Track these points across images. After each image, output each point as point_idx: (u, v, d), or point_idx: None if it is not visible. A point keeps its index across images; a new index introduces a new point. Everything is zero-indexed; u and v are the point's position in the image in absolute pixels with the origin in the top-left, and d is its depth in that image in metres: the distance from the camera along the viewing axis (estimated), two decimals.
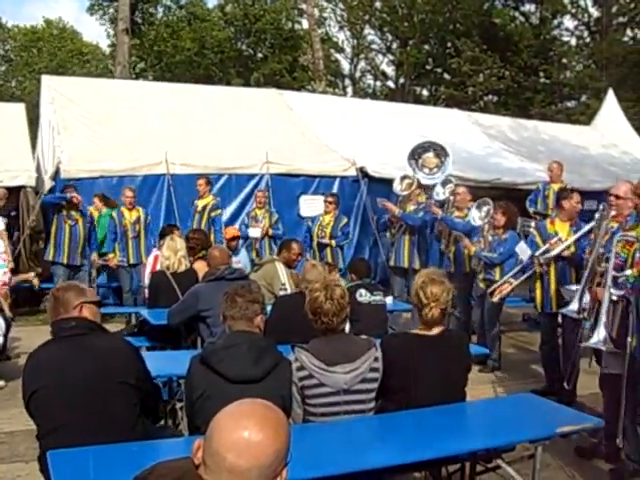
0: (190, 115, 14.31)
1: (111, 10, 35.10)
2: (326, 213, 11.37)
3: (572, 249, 7.24)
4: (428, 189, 10.91)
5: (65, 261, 10.99)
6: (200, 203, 11.63)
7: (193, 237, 8.51)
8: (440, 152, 11.11)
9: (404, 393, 4.28)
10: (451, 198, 10.42)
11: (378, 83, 45.08)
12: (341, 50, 44.22)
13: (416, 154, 11.09)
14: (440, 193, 10.61)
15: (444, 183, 10.74)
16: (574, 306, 6.46)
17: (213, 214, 11.53)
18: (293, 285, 7.43)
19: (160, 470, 2.07)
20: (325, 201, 11.56)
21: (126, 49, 26.61)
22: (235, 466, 1.90)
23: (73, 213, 11.03)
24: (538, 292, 7.73)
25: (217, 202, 11.73)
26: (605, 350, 5.35)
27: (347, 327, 5.52)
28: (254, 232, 11.69)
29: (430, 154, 11.11)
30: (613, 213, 6.06)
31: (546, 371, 7.95)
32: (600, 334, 5.26)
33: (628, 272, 5.19)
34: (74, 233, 11.03)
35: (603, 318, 5.28)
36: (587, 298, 5.99)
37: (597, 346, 5.34)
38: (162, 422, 4.99)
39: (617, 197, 6.04)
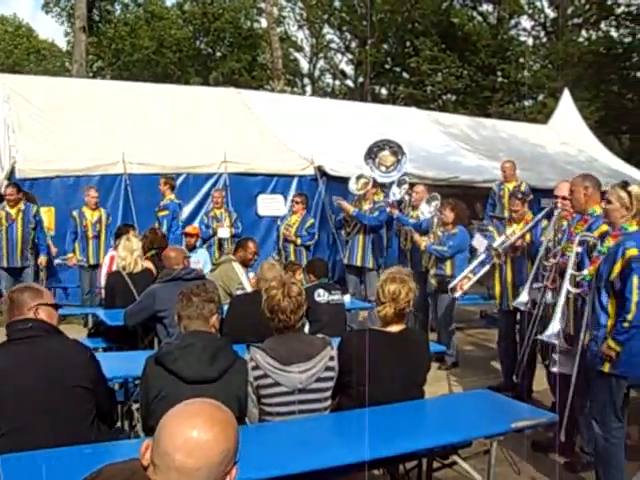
0: (148, 114, 14.18)
1: (68, 7, 34.71)
2: (294, 213, 11.41)
3: (527, 238, 7.30)
4: (385, 188, 10.96)
5: (5, 264, 10.75)
6: (163, 204, 11.59)
7: (147, 235, 8.49)
8: (396, 150, 11.19)
9: (362, 389, 4.27)
10: (406, 198, 10.48)
11: (337, 82, 45.32)
12: (300, 49, 44.35)
13: (372, 153, 11.16)
14: (396, 193, 10.65)
15: (400, 183, 10.79)
16: (523, 298, 6.57)
17: (160, 214, 11.51)
18: (250, 284, 7.40)
19: (108, 472, 2.05)
20: (293, 201, 11.60)
21: (83, 47, 26.24)
22: (184, 465, 1.88)
23: (10, 211, 10.76)
24: (497, 288, 7.82)
25: (170, 203, 11.62)
26: (558, 346, 5.41)
27: (307, 328, 5.53)
28: (223, 232, 11.64)
29: (386, 152, 11.18)
30: (560, 212, 6.15)
31: (503, 367, 8.02)
32: (554, 328, 5.32)
33: (585, 272, 5.26)
34: (10, 234, 10.74)
35: (559, 313, 5.33)
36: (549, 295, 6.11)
37: (550, 340, 5.40)
38: (118, 425, 4.94)
39: (563, 198, 6.12)
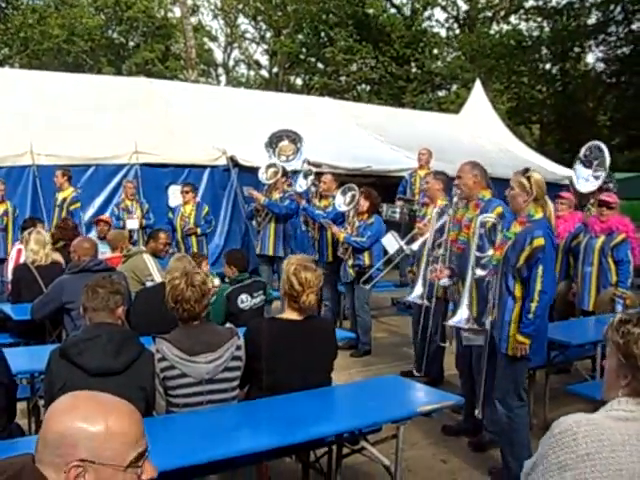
0: (58, 104, 13.84)
1: None
2: (185, 203, 11.41)
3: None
4: (292, 176, 11.05)
5: None
6: (60, 196, 11.32)
7: (59, 227, 8.35)
8: (295, 138, 11.33)
9: (271, 376, 4.30)
10: (313, 189, 10.54)
11: (252, 72, 45.11)
12: (214, 39, 44.03)
13: (273, 143, 11.25)
14: (302, 185, 10.69)
15: (305, 175, 10.83)
16: (418, 291, 6.69)
17: (72, 207, 11.23)
18: (161, 276, 7.31)
19: None
20: (182, 192, 11.60)
21: None
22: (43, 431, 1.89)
23: None
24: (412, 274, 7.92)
25: (77, 195, 11.40)
26: (467, 329, 5.52)
27: None
28: (132, 224, 11.53)
29: (285, 142, 11.34)
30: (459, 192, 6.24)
31: (416, 353, 8.13)
32: (463, 314, 5.42)
33: (490, 252, 5.37)
34: None
35: (466, 299, 5.44)
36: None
37: (459, 325, 5.52)
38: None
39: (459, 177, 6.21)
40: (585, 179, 9.89)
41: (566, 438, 2.36)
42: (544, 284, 4.80)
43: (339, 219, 9.61)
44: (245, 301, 7.14)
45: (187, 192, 11.37)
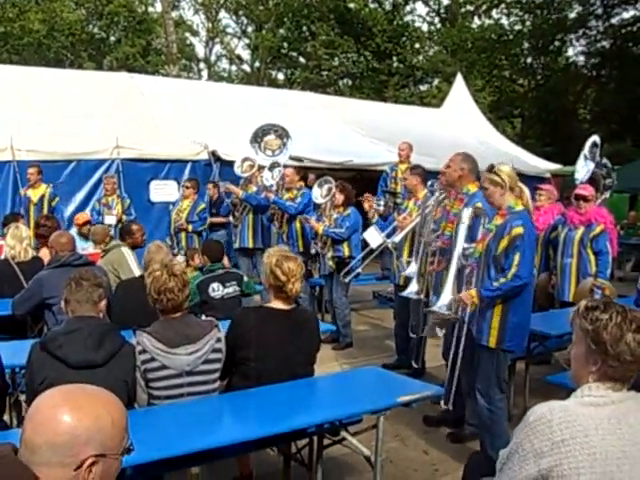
0: (38, 99, 13.84)
1: None
2: (184, 198, 11.36)
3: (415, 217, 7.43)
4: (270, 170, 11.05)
5: None
6: (34, 193, 11.29)
7: (45, 224, 8.21)
8: (282, 133, 11.27)
9: (255, 365, 4.34)
10: (280, 182, 10.56)
11: (234, 67, 45.04)
12: (196, 34, 43.92)
13: (258, 137, 11.20)
14: (269, 178, 10.67)
15: (272, 167, 10.80)
16: (413, 288, 6.71)
17: (53, 203, 11.25)
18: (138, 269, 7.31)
19: None
20: (183, 186, 11.53)
21: None
22: (29, 440, 1.85)
23: None
24: (395, 266, 7.93)
25: (53, 190, 11.41)
26: (448, 318, 5.55)
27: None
28: (109, 219, 11.48)
29: (272, 136, 11.25)
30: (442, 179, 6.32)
31: (397, 345, 8.18)
32: (445, 299, 5.47)
33: (473, 245, 5.41)
34: None
35: (450, 285, 5.47)
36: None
37: (441, 310, 5.56)
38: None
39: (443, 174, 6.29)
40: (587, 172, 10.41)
41: (541, 426, 2.41)
42: (519, 269, 4.83)
43: (308, 210, 9.78)
44: (216, 290, 7.15)
45: (187, 187, 11.35)
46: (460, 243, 5.48)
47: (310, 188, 9.95)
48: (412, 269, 6.68)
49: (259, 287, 8.86)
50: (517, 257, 4.84)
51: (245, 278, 7.84)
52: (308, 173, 12.32)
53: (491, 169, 5.08)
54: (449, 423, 6.20)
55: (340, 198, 9.07)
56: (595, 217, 7.69)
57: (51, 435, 1.84)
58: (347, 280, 8.81)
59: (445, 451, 5.75)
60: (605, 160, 11.85)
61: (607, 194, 11.31)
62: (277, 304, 4.52)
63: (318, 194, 9.44)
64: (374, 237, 8.39)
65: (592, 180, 10.04)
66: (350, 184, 9.42)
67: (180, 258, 9.30)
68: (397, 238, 7.57)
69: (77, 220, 10.72)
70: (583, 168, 10.67)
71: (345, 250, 8.98)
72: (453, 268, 5.50)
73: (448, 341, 6.11)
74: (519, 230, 4.84)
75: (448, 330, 5.65)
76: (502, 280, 4.89)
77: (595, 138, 10.96)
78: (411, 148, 12.10)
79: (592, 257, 7.65)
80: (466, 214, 5.55)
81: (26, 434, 1.86)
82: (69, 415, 1.86)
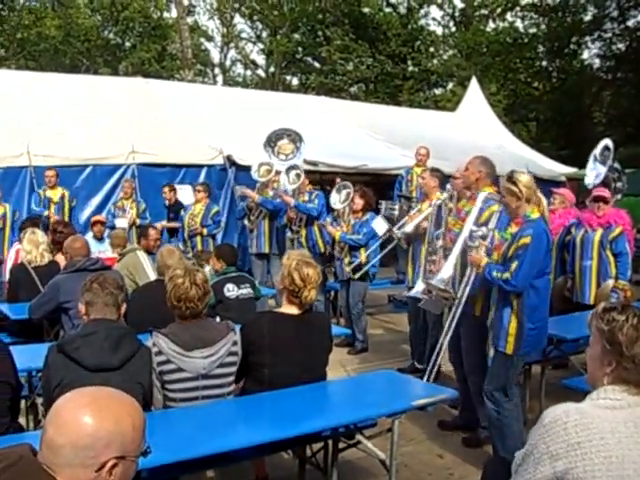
0: (54, 105, 13.86)
1: None
2: (197, 202, 11.36)
3: (425, 224, 7.41)
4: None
5: None
6: (54, 194, 11.40)
7: (62, 231, 8.20)
8: (295, 138, 11.27)
9: (267, 370, 4.33)
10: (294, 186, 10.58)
11: (248, 72, 45.13)
12: (211, 39, 44.04)
13: (272, 141, 11.20)
14: (286, 182, 10.66)
15: (289, 170, 10.78)
16: (419, 287, 6.72)
17: (73, 204, 11.43)
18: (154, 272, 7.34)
19: None
20: (195, 190, 11.54)
21: None
22: (52, 440, 1.87)
23: None
24: (409, 270, 7.91)
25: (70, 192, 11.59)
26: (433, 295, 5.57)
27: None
28: (121, 222, 11.53)
29: (285, 141, 11.24)
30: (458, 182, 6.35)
31: (412, 350, 8.16)
32: (444, 274, 5.52)
33: (484, 228, 5.43)
34: None
35: (452, 261, 5.53)
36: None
37: (438, 285, 5.63)
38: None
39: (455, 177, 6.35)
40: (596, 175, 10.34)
41: (556, 428, 2.40)
42: (513, 276, 4.87)
43: (323, 214, 9.97)
44: (232, 290, 7.20)
45: (199, 191, 11.33)
46: (469, 225, 5.54)
47: (323, 190, 9.98)
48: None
49: (267, 291, 8.90)
50: (514, 265, 4.87)
51: (256, 283, 7.90)
52: (334, 177, 12.31)
53: (510, 177, 5.08)
54: (464, 428, 6.19)
55: (360, 203, 9.03)
56: (614, 219, 7.65)
57: (74, 436, 1.86)
58: (356, 276, 8.81)
59: (460, 455, 5.73)
60: (616, 164, 11.81)
61: (618, 197, 11.24)
62: (289, 309, 4.51)
63: (337, 199, 9.44)
64: (381, 225, 8.46)
65: (604, 183, 10.00)
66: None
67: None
68: (408, 228, 7.58)
69: (93, 220, 10.85)
70: (592, 171, 10.63)
71: (362, 256, 8.92)
72: (458, 247, 5.57)
73: (452, 344, 6.12)
74: (526, 240, 4.86)
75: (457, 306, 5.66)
76: (500, 275, 4.96)
77: (607, 141, 10.91)
78: (429, 153, 12.13)
79: (612, 259, 7.61)
80: (481, 197, 5.66)
81: (48, 434, 1.88)
82: (92, 417, 1.89)
